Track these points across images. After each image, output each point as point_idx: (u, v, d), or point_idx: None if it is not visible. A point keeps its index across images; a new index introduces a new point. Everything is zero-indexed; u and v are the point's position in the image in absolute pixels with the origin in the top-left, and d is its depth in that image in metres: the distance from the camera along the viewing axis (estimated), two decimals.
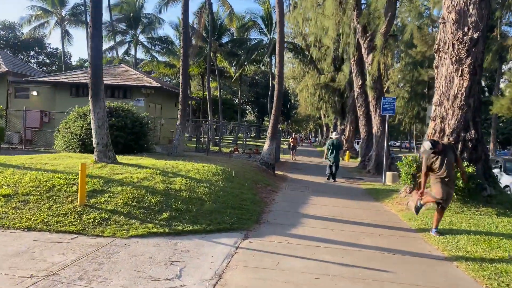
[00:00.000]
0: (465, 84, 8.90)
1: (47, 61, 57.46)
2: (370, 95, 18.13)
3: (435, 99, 9.66)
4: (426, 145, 6.35)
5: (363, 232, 6.66)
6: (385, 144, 14.61)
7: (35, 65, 53.46)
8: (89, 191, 6.45)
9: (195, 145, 24.58)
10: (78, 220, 5.61)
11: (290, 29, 44.22)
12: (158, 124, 21.29)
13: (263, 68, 44.85)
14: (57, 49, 57.92)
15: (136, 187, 6.91)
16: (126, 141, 12.76)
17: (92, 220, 5.63)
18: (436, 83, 9.73)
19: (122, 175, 7.56)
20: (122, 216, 5.85)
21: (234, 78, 38.19)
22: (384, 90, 22.58)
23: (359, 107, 21.19)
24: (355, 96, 21.63)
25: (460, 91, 8.98)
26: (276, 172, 15.30)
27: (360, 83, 20.81)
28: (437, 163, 6.31)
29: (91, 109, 8.96)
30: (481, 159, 8.96)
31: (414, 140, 58.79)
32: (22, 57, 52.03)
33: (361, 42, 18.23)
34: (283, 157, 26.62)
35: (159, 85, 19.18)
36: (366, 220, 7.68)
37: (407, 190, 10.22)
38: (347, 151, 29.16)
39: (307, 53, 37.41)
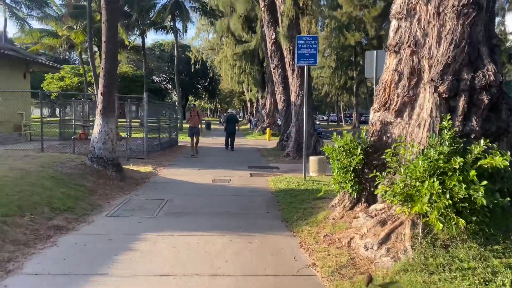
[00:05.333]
0: None
1: None
2: (285, 47, 12.78)
3: (397, 4, 4.44)
4: None
5: None
6: (304, 114, 9.24)
7: None
8: None
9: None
10: None
11: None
12: None
13: (166, 37, 37.86)
14: None
15: None
16: None
17: None
18: None
19: None
20: None
21: (130, 45, 30.69)
22: None
23: (274, 69, 15.89)
24: (269, 55, 16.30)
25: None
26: (141, 167, 9.47)
27: (273, 36, 15.40)
28: None
29: None
30: (508, 130, 3.93)
31: (342, 112, 56.02)
32: None
33: None
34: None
35: None
36: None
37: (345, 202, 5.08)
38: (268, 128, 24.05)
39: (219, 15, 31.43)
